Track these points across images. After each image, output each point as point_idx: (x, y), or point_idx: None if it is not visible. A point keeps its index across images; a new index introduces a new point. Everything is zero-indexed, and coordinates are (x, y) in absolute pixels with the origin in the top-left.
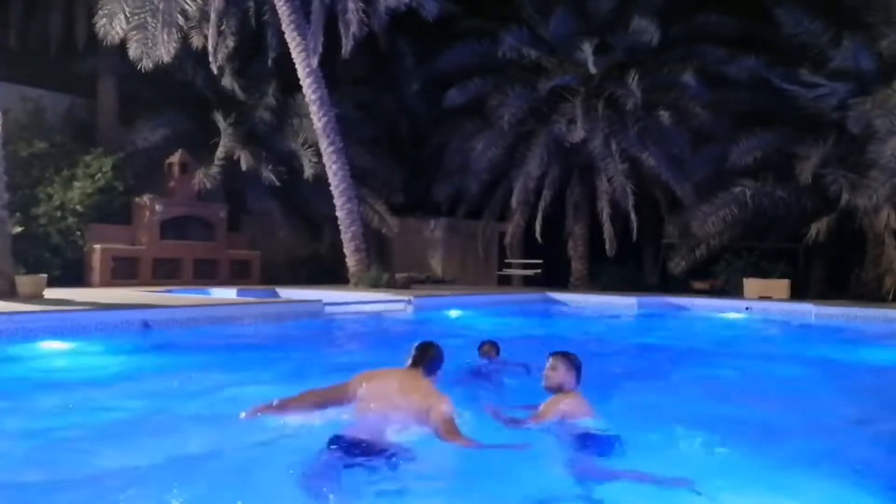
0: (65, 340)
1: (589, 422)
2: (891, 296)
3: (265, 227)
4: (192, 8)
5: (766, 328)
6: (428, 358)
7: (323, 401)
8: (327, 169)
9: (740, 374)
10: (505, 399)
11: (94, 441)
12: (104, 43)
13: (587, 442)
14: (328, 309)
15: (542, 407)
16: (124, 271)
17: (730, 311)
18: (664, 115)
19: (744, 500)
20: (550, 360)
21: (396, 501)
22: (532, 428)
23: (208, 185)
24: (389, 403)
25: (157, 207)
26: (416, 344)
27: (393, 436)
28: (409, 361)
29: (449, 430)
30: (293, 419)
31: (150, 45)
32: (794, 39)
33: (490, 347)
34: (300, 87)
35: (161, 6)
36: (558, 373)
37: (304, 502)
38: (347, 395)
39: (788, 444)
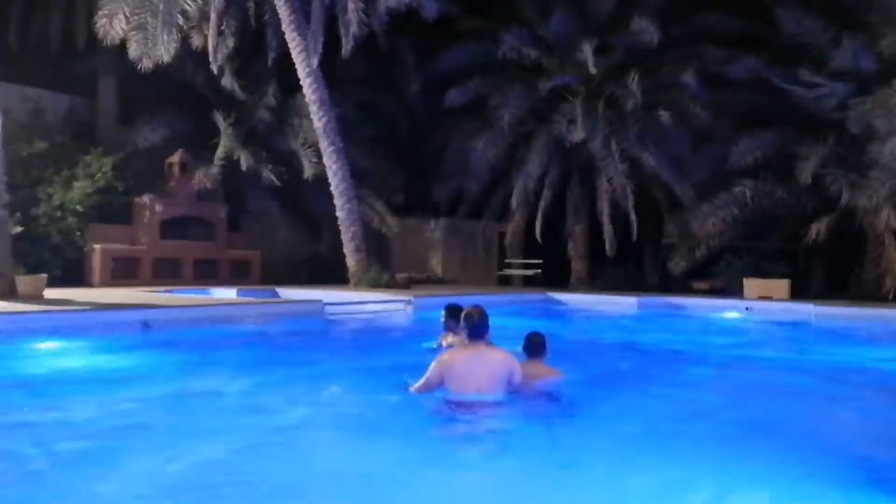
0: (65, 340)
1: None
2: (891, 296)
3: (265, 227)
4: (192, 8)
5: (766, 328)
6: (483, 327)
7: (428, 389)
8: (327, 169)
9: (740, 374)
10: None
11: (93, 441)
12: (104, 43)
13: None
14: (328, 309)
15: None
16: (124, 271)
17: (730, 311)
18: (664, 116)
19: (742, 499)
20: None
21: (498, 440)
22: None
23: (208, 185)
24: (479, 376)
25: (158, 207)
26: (467, 318)
27: (489, 395)
28: (467, 335)
29: (525, 381)
30: None
31: (150, 45)
32: (794, 39)
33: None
34: (300, 87)
35: (161, 6)
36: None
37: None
38: (441, 378)
39: (788, 443)
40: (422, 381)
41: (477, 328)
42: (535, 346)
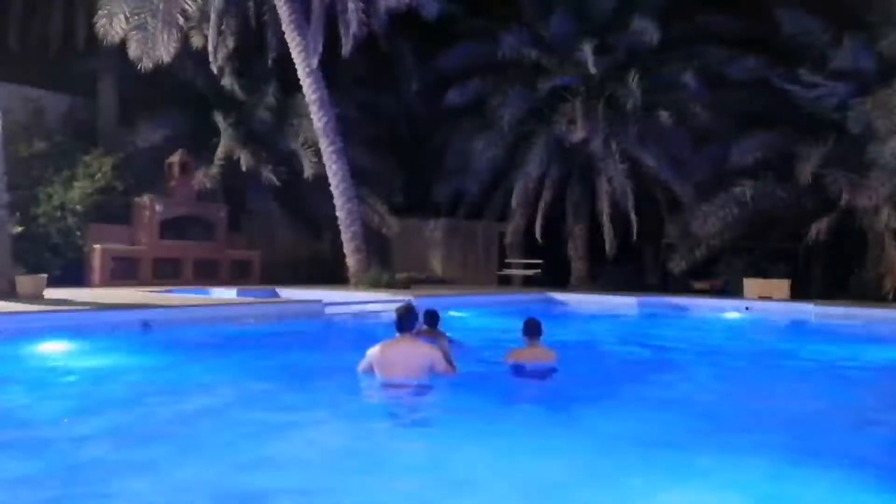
0: (65, 340)
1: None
2: (891, 296)
3: (265, 227)
4: (192, 8)
5: (765, 328)
6: (408, 322)
7: (367, 368)
8: (327, 169)
9: (740, 374)
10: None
11: (93, 441)
12: (104, 43)
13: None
14: (328, 309)
15: (514, 352)
16: (124, 271)
17: (730, 311)
18: (664, 115)
19: (742, 498)
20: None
21: (420, 415)
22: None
23: (208, 185)
24: (407, 365)
25: (157, 207)
26: (396, 316)
27: (412, 379)
28: (395, 328)
29: (445, 368)
30: None
31: (150, 45)
32: (794, 39)
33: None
34: (300, 87)
35: (161, 6)
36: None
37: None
38: (370, 365)
39: (788, 443)
40: (360, 364)
41: (403, 322)
42: (532, 328)
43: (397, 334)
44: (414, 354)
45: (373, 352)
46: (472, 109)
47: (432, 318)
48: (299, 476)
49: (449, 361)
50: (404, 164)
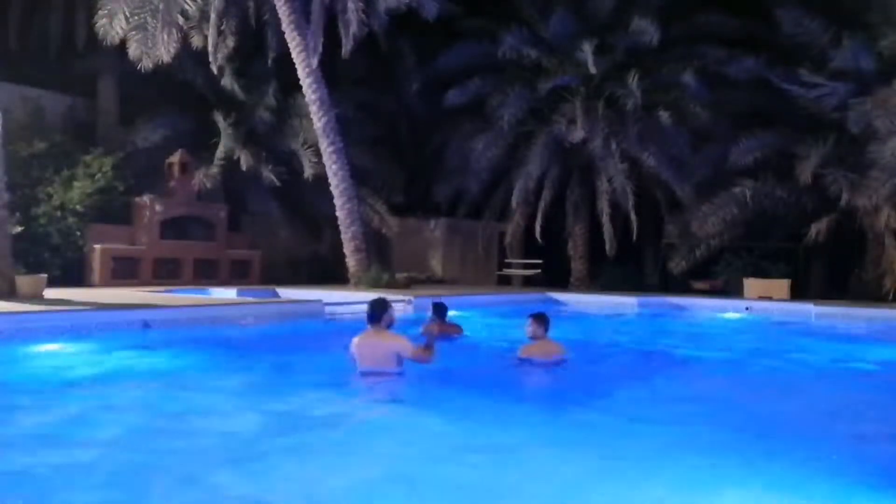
0: (65, 341)
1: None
2: (891, 296)
3: (265, 227)
4: (192, 8)
5: (765, 328)
6: (376, 314)
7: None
8: (327, 169)
9: (740, 374)
10: None
11: (93, 441)
12: (104, 43)
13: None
14: (328, 309)
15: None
16: (124, 271)
17: (730, 311)
18: (664, 115)
19: (743, 499)
20: (529, 320)
21: (395, 397)
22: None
23: (208, 185)
24: (375, 355)
25: (157, 207)
26: (368, 309)
27: (382, 367)
28: (367, 322)
29: (413, 354)
30: None
31: (150, 45)
32: (794, 39)
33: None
34: (300, 87)
35: (161, 6)
36: (532, 328)
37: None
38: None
39: (787, 443)
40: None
41: (370, 316)
42: (542, 322)
43: (368, 326)
44: (379, 346)
45: (352, 343)
46: (472, 109)
47: (440, 310)
48: (297, 475)
49: (426, 347)
50: (404, 164)
